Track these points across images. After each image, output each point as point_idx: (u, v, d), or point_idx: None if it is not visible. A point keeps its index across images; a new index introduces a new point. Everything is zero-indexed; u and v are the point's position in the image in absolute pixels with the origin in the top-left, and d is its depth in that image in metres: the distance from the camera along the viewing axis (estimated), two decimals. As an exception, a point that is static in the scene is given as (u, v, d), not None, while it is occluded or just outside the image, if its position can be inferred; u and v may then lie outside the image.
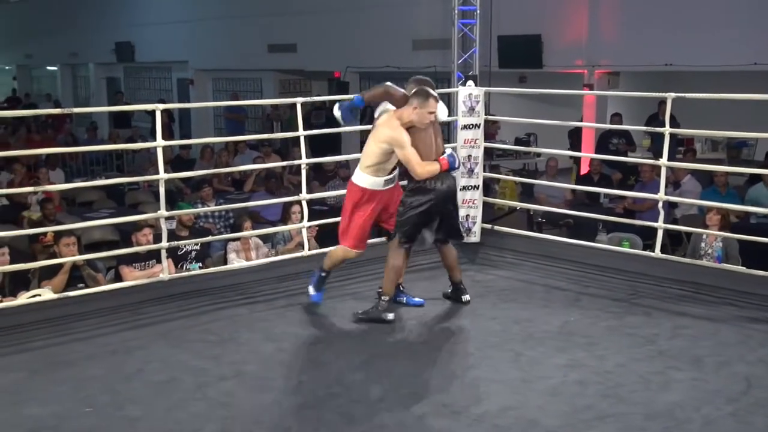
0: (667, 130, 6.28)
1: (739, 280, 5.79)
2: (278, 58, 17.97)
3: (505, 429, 3.84)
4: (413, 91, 5.25)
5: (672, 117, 6.64)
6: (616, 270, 6.33)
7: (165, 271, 5.99)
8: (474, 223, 7.06)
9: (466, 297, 5.63)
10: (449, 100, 8.06)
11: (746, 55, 10.58)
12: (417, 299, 5.64)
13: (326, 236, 7.35)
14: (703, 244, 7.27)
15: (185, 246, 7.14)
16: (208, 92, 20.63)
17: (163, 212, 5.95)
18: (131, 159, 15.35)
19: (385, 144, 5.20)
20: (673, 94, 6.15)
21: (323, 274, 5.61)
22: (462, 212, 6.86)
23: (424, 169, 5.17)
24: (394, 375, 4.46)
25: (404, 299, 5.62)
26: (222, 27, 18.94)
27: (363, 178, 5.32)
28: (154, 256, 6.60)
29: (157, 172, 5.98)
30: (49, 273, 6.22)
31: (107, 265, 7.14)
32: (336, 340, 5.05)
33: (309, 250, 6.63)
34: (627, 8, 12.50)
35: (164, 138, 6.03)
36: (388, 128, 5.20)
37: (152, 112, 5.92)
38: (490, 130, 11.97)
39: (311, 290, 5.62)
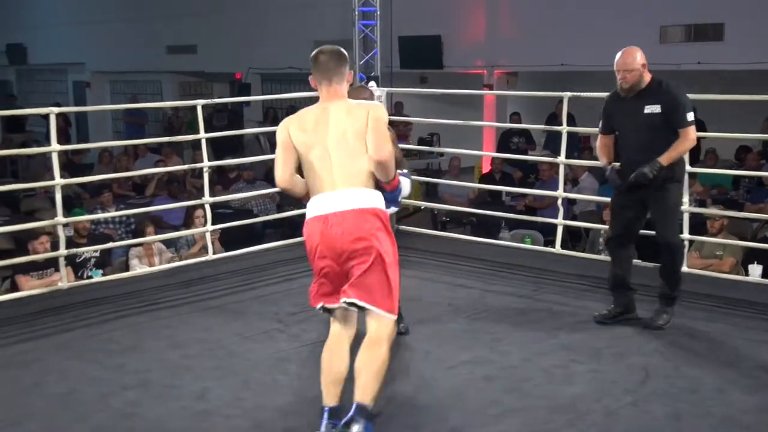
0: (564, 128, 6.44)
1: (636, 272, 5.94)
2: (178, 60, 17.69)
3: (412, 428, 3.86)
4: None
5: (570, 116, 6.81)
6: (519, 266, 6.45)
7: (64, 279, 5.81)
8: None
9: None
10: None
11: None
12: None
13: (231, 239, 7.26)
14: (600, 239, 7.46)
15: (84, 253, 6.94)
16: (106, 95, 20.16)
17: (60, 219, 5.77)
18: (26, 165, 14.85)
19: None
20: (569, 93, 6.31)
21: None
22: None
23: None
24: (303, 377, 4.42)
25: None
26: (119, 28, 18.52)
27: (378, 197, 3.64)
28: (52, 264, 6.40)
29: (53, 178, 5.80)
30: (-60, 285, 5.96)
31: (2, 275, 6.89)
32: (241, 345, 4.99)
33: (213, 253, 6.54)
34: (523, 10, 12.77)
35: (60, 143, 5.85)
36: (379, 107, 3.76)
37: (47, 116, 5.72)
38: (402, 131, 12.05)
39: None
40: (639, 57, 4.92)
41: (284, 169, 3.65)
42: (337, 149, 3.56)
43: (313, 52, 3.79)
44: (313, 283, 3.67)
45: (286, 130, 3.67)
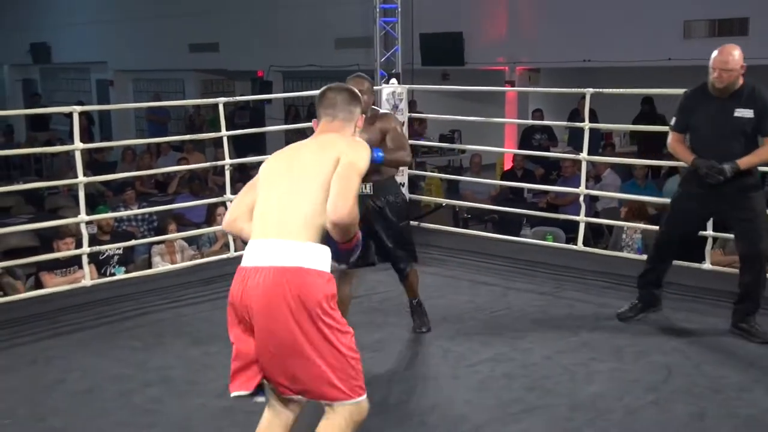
0: (587, 125, 6.40)
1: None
2: (200, 58, 17.75)
3: (432, 426, 3.85)
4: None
5: (592, 112, 6.77)
6: (540, 264, 6.42)
7: (87, 276, 5.86)
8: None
9: None
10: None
11: (660, 50, 10.86)
12: None
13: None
14: (624, 236, 7.43)
15: (107, 250, 6.99)
16: (129, 93, 20.26)
17: (83, 217, 5.82)
18: (50, 163, 14.99)
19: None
20: (591, 90, 6.27)
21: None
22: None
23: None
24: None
25: None
26: (142, 27, 18.62)
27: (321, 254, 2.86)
28: (76, 261, 6.45)
29: (77, 176, 5.85)
30: (-35, 282, 6.03)
31: (27, 272, 6.94)
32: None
33: (235, 251, 6.56)
34: (546, 5, 12.70)
35: (83, 141, 5.90)
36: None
37: (70, 115, 5.77)
38: (418, 129, 12.03)
39: None
40: (738, 57, 4.58)
41: (232, 211, 3.04)
42: (288, 187, 2.87)
43: (322, 89, 3.18)
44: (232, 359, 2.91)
45: (266, 164, 3.08)
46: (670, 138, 4.90)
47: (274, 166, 3.01)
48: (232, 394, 2.89)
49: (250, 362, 2.83)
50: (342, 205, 2.76)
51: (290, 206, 2.83)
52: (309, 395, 2.85)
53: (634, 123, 10.87)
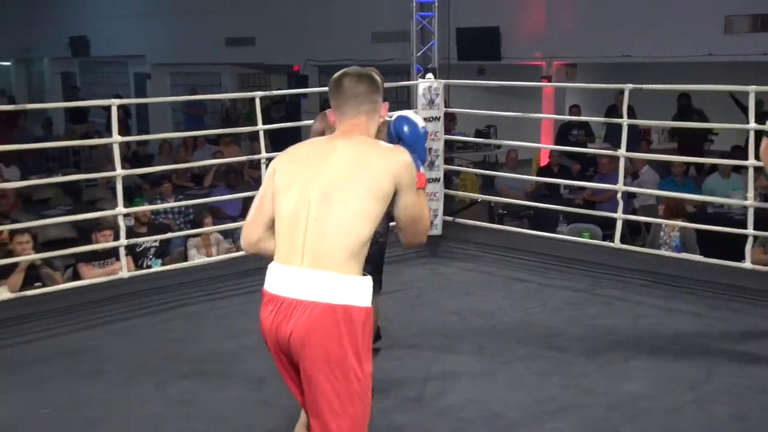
0: (625, 121, 6.33)
1: (697, 269, 5.84)
2: (236, 52, 17.83)
3: (468, 422, 3.83)
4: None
5: (630, 108, 6.69)
6: (576, 261, 6.36)
7: (124, 268, 5.90)
8: (435, 215, 7.05)
9: None
10: (409, 93, 8.04)
11: (700, 46, 10.71)
12: None
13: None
14: (661, 234, 7.33)
15: (144, 243, 7.04)
16: (166, 87, 20.39)
17: (121, 209, 5.86)
18: (88, 155, 15.14)
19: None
20: (630, 86, 6.19)
21: None
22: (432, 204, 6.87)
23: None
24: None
25: None
26: (179, 20, 18.74)
27: (359, 287, 2.56)
28: (114, 253, 6.50)
29: (115, 169, 5.89)
30: (5, 272, 6.08)
31: (65, 264, 7.01)
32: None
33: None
34: (585, 0, 12.58)
35: (121, 134, 5.94)
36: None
37: (108, 108, 5.81)
38: (448, 125, 11.96)
39: None
40: None
41: (252, 230, 2.70)
42: (323, 203, 2.52)
43: (335, 75, 2.72)
44: None
45: (273, 166, 2.70)
46: (763, 145, 4.68)
47: (294, 171, 2.62)
48: None
49: (292, 385, 2.65)
50: (421, 232, 2.64)
51: (332, 231, 2.49)
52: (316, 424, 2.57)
53: (673, 119, 10.73)
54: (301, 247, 2.52)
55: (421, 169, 2.66)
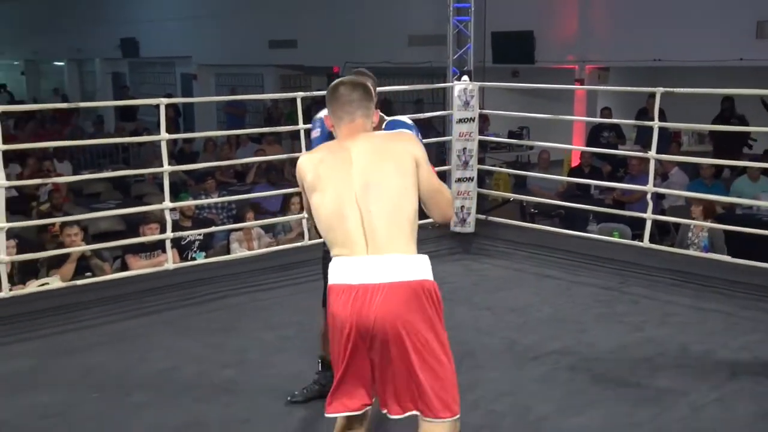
0: (656, 123, 6.27)
1: (725, 269, 5.78)
2: (279, 54, 17.91)
3: (500, 415, 3.83)
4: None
5: (661, 111, 6.63)
6: (606, 259, 6.32)
7: (169, 260, 5.97)
8: (468, 213, 7.04)
9: None
10: (445, 95, 8.02)
11: (732, 51, 10.55)
12: None
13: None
14: (690, 234, 7.25)
15: (189, 236, 7.12)
16: (211, 87, 20.54)
17: (167, 203, 5.93)
18: (137, 152, 15.30)
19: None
20: (661, 89, 6.13)
21: None
22: (457, 203, 6.87)
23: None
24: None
25: None
26: (224, 23, 18.86)
27: (425, 263, 2.72)
28: (160, 245, 6.58)
29: (162, 165, 5.96)
30: (58, 262, 6.19)
31: (114, 255, 7.11)
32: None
33: (309, 239, 6.60)
34: (617, 5, 12.46)
35: (170, 131, 6.01)
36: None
37: (157, 106, 5.87)
38: (481, 125, 11.90)
39: None
40: None
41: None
42: (367, 193, 2.65)
43: (332, 83, 2.88)
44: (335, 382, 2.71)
45: (301, 172, 2.79)
46: None
47: (324, 172, 2.71)
48: (328, 415, 2.72)
49: (361, 383, 2.68)
50: (447, 207, 2.82)
51: (385, 215, 2.62)
52: (423, 406, 2.62)
53: (713, 122, 10.61)
54: (361, 237, 2.62)
55: None
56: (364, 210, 2.64)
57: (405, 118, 3.13)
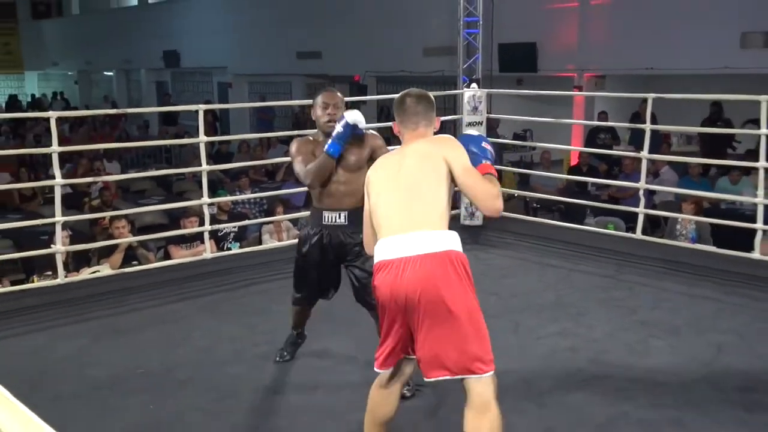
0: (648, 126, 6.22)
1: (712, 258, 5.73)
2: (305, 64, 17.92)
3: (502, 390, 3.79)
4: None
5: (652, 115, 6.58)
6: (602, 249, 6.28)
7: (208, 250, 5.99)
8: (477, 208, 7.01)
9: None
10: (455, 101, 8.00)
11: (719, 59, 10.46)
12: None
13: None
14: (678, 227, 7.20)
15: (225, 228, 7.14)
16: (245, 94, 20.61)
17: (206, 199, 5.95)
18: (178, 153, 15.38)
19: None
20: (653, 95, 6.09)
21: None
22: (466, 199, 6.84)
23: None
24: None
25: None
26: (257, 36, 18.90)
27: (454, 238, 2.77)
28: (199, 237, 6.61)
29: (201, 165, 5.98)
30: (107, 252, 6.23)
31: (157, 245, 7.14)
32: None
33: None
34: (613, 18, 12.38)
35: (208, 134, 6.03)
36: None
37: (197, 112, 5.89)
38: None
39: None
40: None
41: (366, 226, 2.95)
42: (409, 189, 2.77)
43: (399, 95, 2.99)
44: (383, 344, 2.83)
45: (368, 178, 2.95)
46: None
47: (382, 176, 2.87)
48: (378, 370, 2.86)
49: (402, 344, 2.78)
50: (492, 200, 2.77)
51: (420, 202, 2.72)
52: (461, 367, 2.67)
53: (703, 124, 10.53)
54: (398, 221, 2.73)
55: (484, 161, 2.87)
56: (405, 201, 2.75)
57: (471, 129, 3.13)
